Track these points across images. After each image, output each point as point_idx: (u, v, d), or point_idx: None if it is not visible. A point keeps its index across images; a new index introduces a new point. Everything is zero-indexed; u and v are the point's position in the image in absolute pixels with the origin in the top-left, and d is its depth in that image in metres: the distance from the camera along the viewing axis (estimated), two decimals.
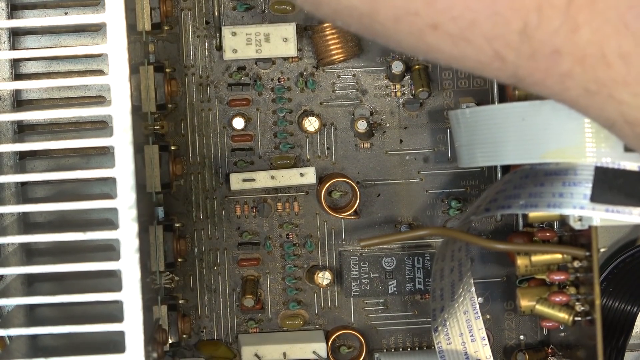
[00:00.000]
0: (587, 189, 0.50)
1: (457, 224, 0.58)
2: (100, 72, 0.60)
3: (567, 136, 0.50)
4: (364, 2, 0.40)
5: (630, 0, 0.38)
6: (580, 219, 0.53)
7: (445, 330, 0.57)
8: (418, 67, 0.62)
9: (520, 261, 0.57)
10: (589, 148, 0.50)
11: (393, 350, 0.64)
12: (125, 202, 0.48)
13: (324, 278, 0.62)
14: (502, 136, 0.53)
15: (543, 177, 0.52)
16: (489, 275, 0.63)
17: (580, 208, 0.50)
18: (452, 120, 0.58)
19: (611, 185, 0.49)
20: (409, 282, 0.63)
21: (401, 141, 0.63)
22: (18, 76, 0.60)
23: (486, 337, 0.57)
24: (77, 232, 0.49)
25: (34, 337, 0.53)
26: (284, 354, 0.62)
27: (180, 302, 0.62)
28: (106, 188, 0.54)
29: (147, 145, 0.58)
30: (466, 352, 0.57)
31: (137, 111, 0.55)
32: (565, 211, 0.51)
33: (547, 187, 0.51)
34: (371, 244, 0.58)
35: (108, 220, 0.53)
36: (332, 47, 0.62)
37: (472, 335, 0.57)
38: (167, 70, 0.60)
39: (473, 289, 0.57)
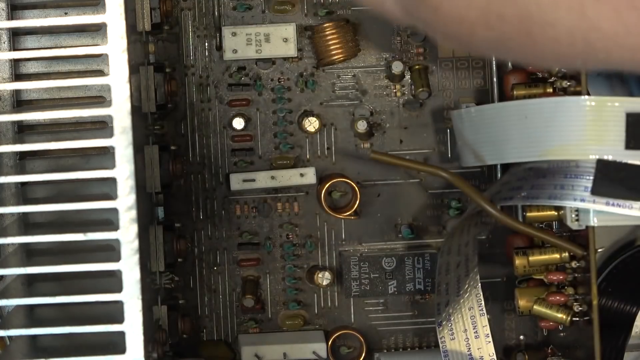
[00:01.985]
0: (588, 181, 0.50)
1: (468, 209, 0.58)
2: (100, 73, 0.60)
3: (568, 134, 0.51)
4: None
5: None
6: (578, 219, 0.53)
7: (450, 325, 0.57)
8: (418, 67, 0.62)
9: (519, 261, 0.57)
10: (591, 146, 0.50)
11: (393, 350, 0.64)
12: (125, 203, 0.48)
13: (324, 278, 0.62)
14: (505, 134, 0.53)
15: (546, 170, 0.52)
16: (489, 275, 0.63)
17: (581, 200, 0.50)
18: (455, 120, 0.58)
19: (612, 179, 0.49)
20: (409, 282, 0.63)
21: (401, 141, 0.63)
22: (18, 76, 0.60)
23: (490, 335, 0.57)
24: (77, 233, 0.49)
25: (34, 338, 0.53)
26: (284, 354, 0.62)
27: (180, 302, 0.62)
28: (106, 188, 0.54)
29: (147, 145, 0.58)
30: (469, 349, 0.57)
31: (137, 111, 0.55)
32: (565, 203, 0.51)
33: (549, 179, 0.51)
34: (381, 158, 0.57)
35: (108, 221, 0.53)
36: (332, 47, 0.62)
37: (476, 332, 0.57)
38: (167, 70, 0.60)
39: (479, 285, 0.57)
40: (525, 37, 0.38)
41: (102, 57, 0.60)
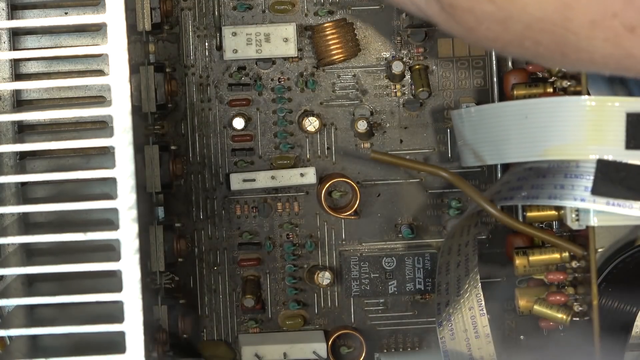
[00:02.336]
0: (588, 181, 0.50)
1: (468, 209, 0.58)
2: (100, 72, 0.60)
3: (568, 134, 0.51)
4: (557, 10, 0.37)
5: None
6: (578, 219, 0.53)
7: (450, 325, 0.57)
8: (418, 67, 0.62)
9: (519, 261, 0.57)
10: (591, 146, 0.50)
11: (393, 350, 0.64)
12: (125, 203, 0.48)
13: (324, 278, 0.62)
14: (505, 134, 0.53)
15: (546, 169, 0.52)
16: (489, 275, 0.63)
17: (581, 200, 0.50)
18: (455, 120, 0.58)
19: (612, 179, 0.49)
20: (409, 282, 0.63)
21: (401, 141, 0.63)
22: (18, 76, 0.60)
23: (490, 335, 0.57)
24: (78, 233, 0.49)
25: (34, 337, 0.53)
26: (284, 354, 0.62)
27: (181, 302, 0.62)
28: (106, 188, 0.54)
29: (147, 145, 0.58)
30: (470, 349, 0.57)
31: (137, 111, 0.55)
32: (565, 203, 0.51)
33: (549, 178, 0.51)
34: (381, 158, 0.57)
35: (108, 221, 0.53)
36: (332, 47, 0.62)
37: (476, 332, 0.57)
38: (167, 70, 0.60)
39: (479, 285, 0.57)
40: (559, 57, 0.40)
41: (102, 57, 0.60)
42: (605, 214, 0.51)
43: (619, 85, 0.53)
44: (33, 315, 0.54)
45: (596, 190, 0.50)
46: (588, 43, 0.38)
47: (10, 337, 0.54)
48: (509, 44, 0.40)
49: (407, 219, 0.63)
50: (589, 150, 0.50)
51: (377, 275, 0.63)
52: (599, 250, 0.55)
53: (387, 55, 0.63)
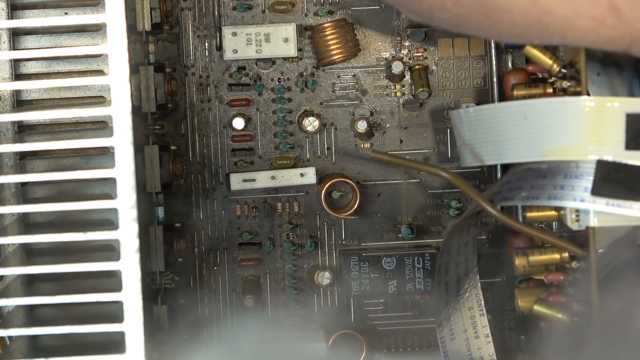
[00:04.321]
0: (588, 182, 0.50)
1: (468, 209, 0.58)
2: (100, 72, 0.60)
3: (568, 134, 0.51)
4: None
5: None
6: (578, 219, 0.53)
7: (449, 325, 0.57)
8: (418, 67, 0.62)
9: (519, 261, 0.57)
10: (590, 147, 0.50)
11: (393, 350, 0.64)
12: (125, 203, 0.48)
13: (324, 278, 0.62)
14: (504, 134, 0.53)
15: (546, 170, 0.52)
16: (489, 275, 0.63)
17: (581, 201, 0.50)
18: (454, 120, 0.58)
19: (612, 179, 0.49)
20: (409, 282, 0.63)
21: (401, 141, 0.63)
22: (18, 76, 0.60)
23: (490, 335, 0.57)
24: (77, 233, 0.49)
25: (34, 337, 0.53)
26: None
27: (181, 302, 0.62)
28: (106, 188, 0.54)
29: (147, 145, 0.58)
30: (469, 349, 0.57)
31: (137, 111, 0.55)
32: (565, 203, 0.51)
33: (549, 179, 0.51)
34: (381, 158, 0.57)
35: (108, 221, 0.53)
36: (332, 47, 0.62)
37: (476, 332, 0.57)
38: (167, 70, 0.60)
39: (479, 285, 0.57)
40: (483, 19, 0.40)
41: (102, 57, 0.60)
42: (605, 214, 0.51)
43: (619, 85, 0.53)
44: (33, 315, 0.54)
45: (596, 191, 0.50)
46: (506, 0, 0.38)
47: (10, 337, 0.54)
48: (432, 7, 0.40)
49: (407, 219, 0.63)
50: (589, 151, 0.50)
51: (377, 275, 0.63)
52: (599, 251, 0.55)
53: (387, 55, 0.63)
